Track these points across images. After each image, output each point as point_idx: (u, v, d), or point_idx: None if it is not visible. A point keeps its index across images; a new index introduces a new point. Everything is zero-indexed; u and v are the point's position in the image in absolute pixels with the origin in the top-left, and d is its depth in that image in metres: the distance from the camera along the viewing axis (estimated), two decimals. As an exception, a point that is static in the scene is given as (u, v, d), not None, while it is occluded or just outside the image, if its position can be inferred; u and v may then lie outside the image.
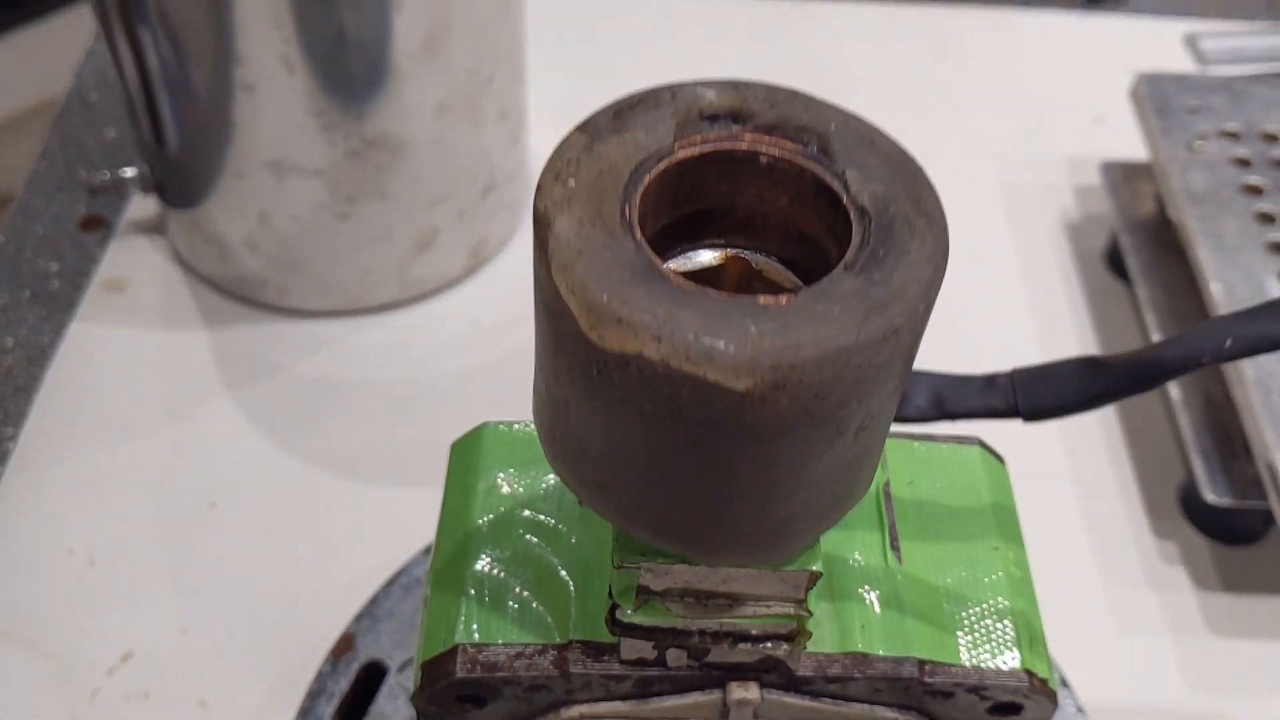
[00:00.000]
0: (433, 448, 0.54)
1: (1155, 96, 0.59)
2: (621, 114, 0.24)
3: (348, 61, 0.50)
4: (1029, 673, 0.29)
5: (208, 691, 0.46)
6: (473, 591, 0.30)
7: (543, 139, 0.64)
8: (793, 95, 0.24)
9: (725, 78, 0.24)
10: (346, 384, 0.57)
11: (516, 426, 0.34)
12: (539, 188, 0.23)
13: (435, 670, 0.29)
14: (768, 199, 0.24)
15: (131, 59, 0.53)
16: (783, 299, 0.21)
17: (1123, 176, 0.62)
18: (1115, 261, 0.62)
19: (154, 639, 0.48)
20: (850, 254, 0.22)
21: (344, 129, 0.52)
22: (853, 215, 0.23)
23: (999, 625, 0.30)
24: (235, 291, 0.59)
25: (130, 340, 0.58)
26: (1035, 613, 0.30)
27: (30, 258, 0.61)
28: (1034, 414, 0.27)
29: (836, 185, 0.23)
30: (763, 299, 0.21)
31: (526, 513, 0.31)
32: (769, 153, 0.24)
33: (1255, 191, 0.55)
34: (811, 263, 0.25)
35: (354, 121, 0.52)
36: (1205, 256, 0.52)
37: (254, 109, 0.51)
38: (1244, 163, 0.56)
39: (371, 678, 0.44)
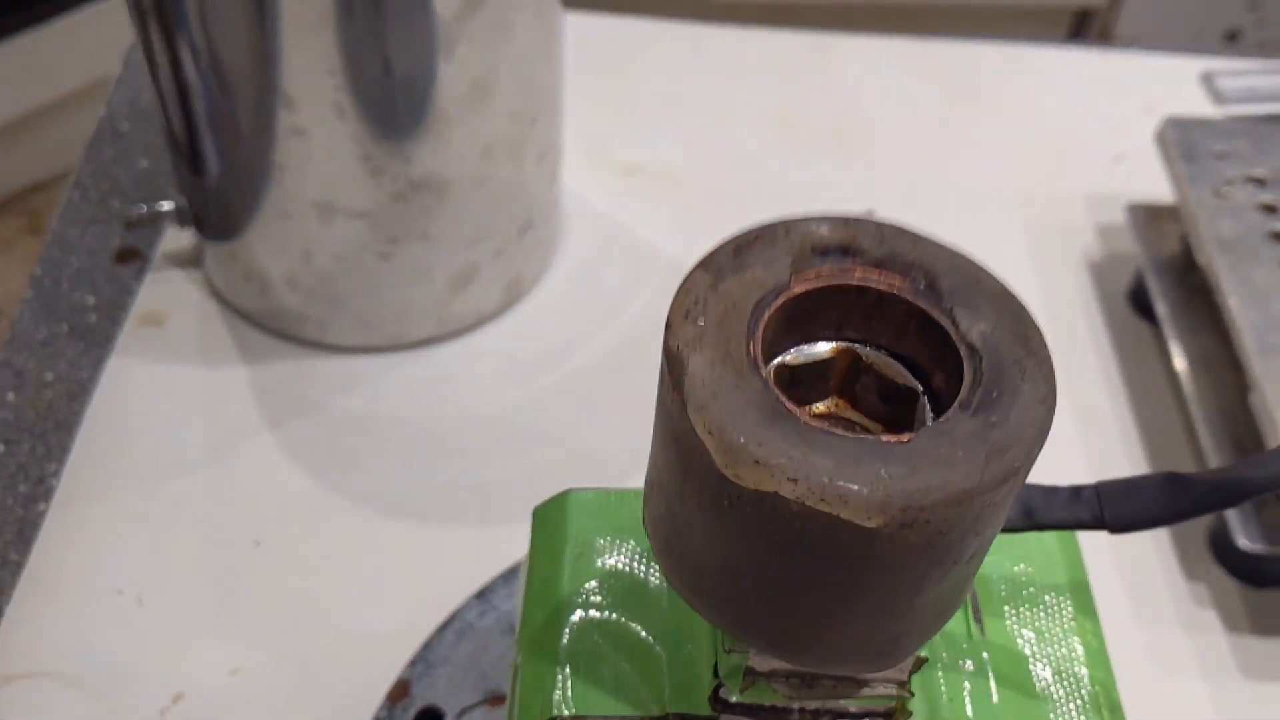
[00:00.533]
0: (475, 486, 0.55)
1: (1181, 141, 0.60)
2: (741, 251, 0.25)
3: (396, 107, 0.51)
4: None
5: (261, 734, 0.47)
6: (566, 661, 0.31)
7: (574, 175, 0.65)
8: (899, 232, 0.25)
9: (836, 213, 0.25)
10: (387, 420, 0.57)
11: (601, 494, 0.34)
12: (669, 325, 0.24)
13: (534, 741, 0.30)
14: (876, 329, 0.25)
15: (176, 98, 0.53)
16: (905, 438, 0.22)
17: (1147, 218, 0.63)
18: (1140, 301, 0.63)
19: (205, 680, 0.48)
20: (964, 393, 0.23)
21: (391, 172, 0.52)
22: (963, 353, 0.24)
23: (1081, 694, 0.31)
24: (273, 326, 0.60)
25: (169, 375, 0.58)
26: (1112, 682, 0.31)
27: (67, 291, 0.61)
28: (1121, 527, 0.28)
29: (945, 321, 0.24)
30: (885, 438, 0.22)
31: (617, 582, 0.32)
32: (879, 287, 0.25)
33: (1282, 239, 0.56)
34: (918, 374, 0.26)
35: (401, 165, 0.52)
36: (1236, 305, 0.53)
37: (303, 153, 0.52)
38: (1270, 209, 0.57)
39: (429, 723, 0.45)
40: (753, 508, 0.22)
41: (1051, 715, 0.30)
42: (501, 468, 0.56)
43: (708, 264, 0.25)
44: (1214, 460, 0.53)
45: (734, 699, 0.28)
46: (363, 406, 0.58)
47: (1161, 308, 0.59)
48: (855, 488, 0.21)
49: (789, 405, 0.23)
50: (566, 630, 0.31)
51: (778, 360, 0.25)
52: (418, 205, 0.54)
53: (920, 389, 0.25)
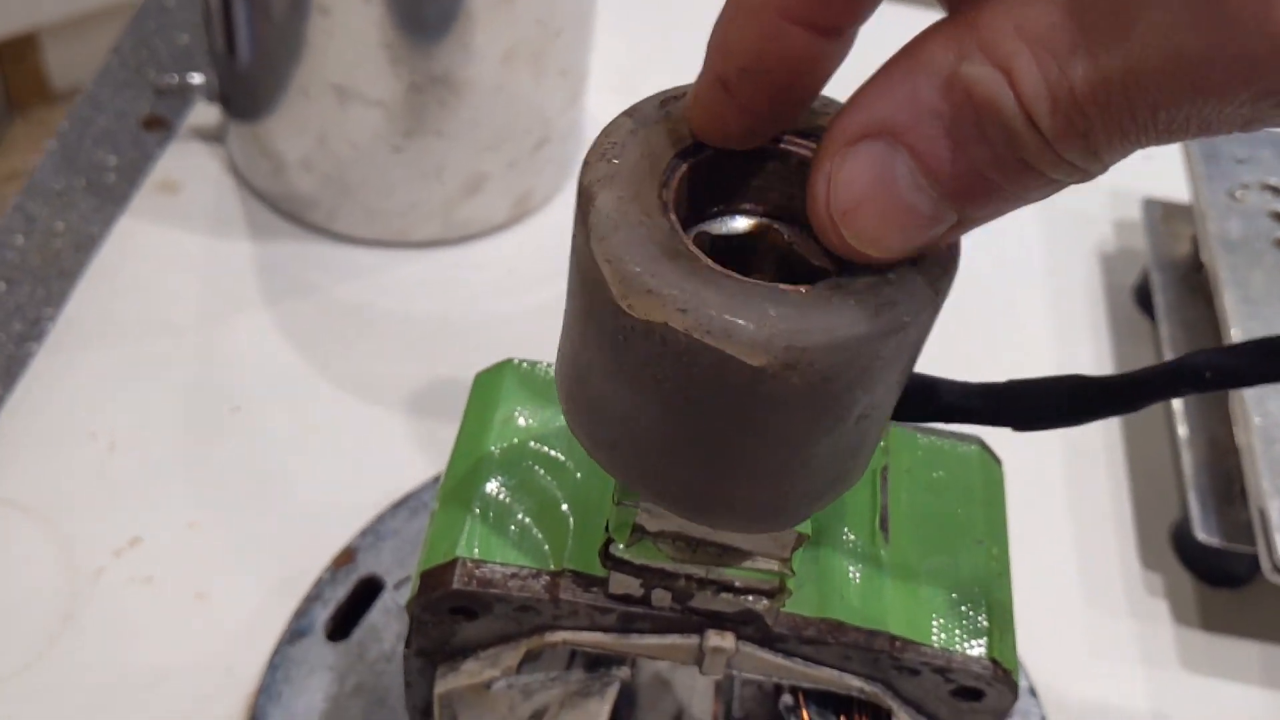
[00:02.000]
0: (455, 385, 0.56)
1: (1206, 141, 0.60)
2: (667, 104, 0.25)
3: (423, -2, 0.52)
4: (994, 661, 0.30)
5: (208, 585, 0.48)
6: (478, 511, 0.31)
7: (600, 104, 0.66)
8: (829, 102, 0.26)
9: None
10: (381, 312, 0.58)
11: (540, 366, 0.35)
12: (585, 163, 0.24)
13: (434, 580, 0.30)
14: (797, 197, 0.25)
15: (215, -31, 0.54)
16: (802, 288, 0.23)
17: (1162, 215, 0.63)
18: (1144, 298, 0.63)
19: (162, 528, 0.49)
20: None
21: (410, 63, 0.53)
22: None
23: (972, 613, 0.31)
24: (285, 208, 0.61)
25: (176, 241, 0.60)
26: (1008, 608, 0.32)
27: (90, 148, 0.63)
28: (1024, 424, 0.28)
29: None
30: (782, 286, 0.23)
31: (538, 446, 0.33)
32: (799, 152, 0.25)
33: (1289, 247, 0.56)
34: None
35: (421, 57, 0.53)
36: (1231, 304, 0.53)
37: (327, 31, 0.52)
38: (1282, 217, 0.57)
39: (368, 591, 0.46)
40: (644, 342, 0.23)
41: (941, 629, 0.31)
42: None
43: (633, 112, 0.25)
44: (1189, 456, 0.53)
45: (621, 555, 0.29)
46: (359, 296, 0.59)
47: (1161, 302, 0.58)
48: (742, 323, 0.22)
49: (691, 247, 0.23)
50: (483, 484, 0.32)
51: (698, 228, 0.26)
52: (434, 100, 0.55)
53: (834, 271, 0.26)
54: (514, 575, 0.30)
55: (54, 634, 0.46)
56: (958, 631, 0.30)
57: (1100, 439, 0.57)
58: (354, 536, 0.47)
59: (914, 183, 0.20)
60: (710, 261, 0.23)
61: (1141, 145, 0.19)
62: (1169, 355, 0.56)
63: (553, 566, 0.30)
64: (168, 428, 0.53)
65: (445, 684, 0.32)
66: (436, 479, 0.49)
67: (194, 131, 0.64)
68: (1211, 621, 0.51)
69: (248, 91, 0.58)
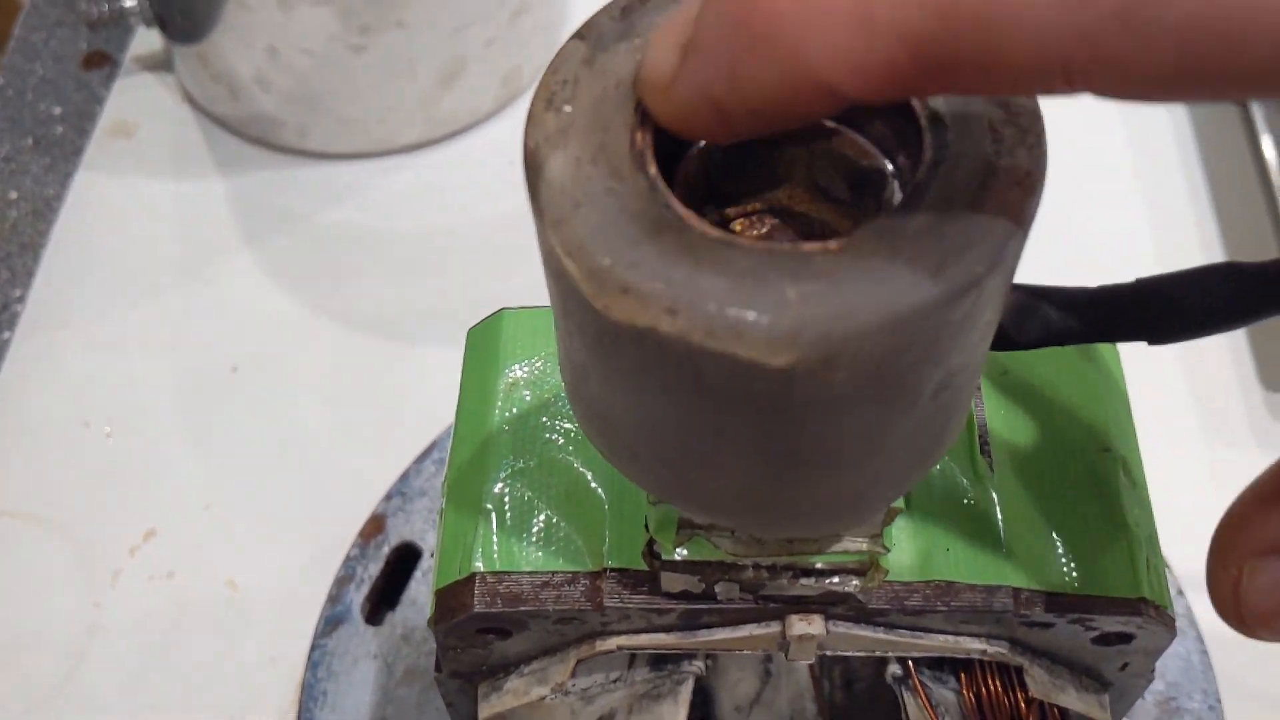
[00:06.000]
0: (469, 302, 0.50)
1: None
2: (630, 13, 0.19)
3: None
4: (1143, 600, 0.25)
5: (234, 571, 0.44)
6: (491, 509, 0.26)
7: (580, -49, 0.58)
8: None
9: None
10: (374, 233, 0.52)
11: (541, 311, 0.29)
12: (529, 117, 0.18)
13: (452, 601, 0.25)
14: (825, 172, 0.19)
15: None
16: (832, 244, 0.16)
17: None
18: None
19: (177, 516, 0.45)
20: (921, 173, 0.17)
21: (352, -51, 0.46)
22: (923, 123, 0.17)
23: (1109, 543, 0.25)
24: (250, 134, 0.54)
25: (141, 189, 0.54)
26: (1152, 528, 0.26)
27: (31, 101, 0.57)
28: (1165, 333, 0.22)
29: None
30: (806, 246, 0.16)
31: (553, 415, 0.27)
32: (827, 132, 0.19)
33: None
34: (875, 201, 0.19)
35: (363, -60, 0.46)
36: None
37: (251, -71, 0.45)
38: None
39: (404, 561, 0.41)
40: (635, 349, 0.17)
41: (1073, 570, 0.25)
42: (497, 283, 0.51)
43: (585, 32, 0.19)
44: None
45: (668, 555, 0.23)
46: (348, 218, 0.53)
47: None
48: (752, 316, 0.16)
49: (679, 209, 0.17)
50: (495, 474, 0.26)
51: (700, 144, 0.19)
52: (388, -13, 0.48)
53: (889, 169, 0.19)
54: (545, 584, 0.25)
55: (81, 650, 0.42)
56: (1095, 569, 0.25)
57: (1200, 255, 0.50)
58: (379, 501, 0.42)
59: None
60: (706, 225, 0.17)
61: None
62: (1268, 149, 0.49)
63: (591, 566, 0.25)
64: (165, 402, 0.48)
65: (490, 707, 0.27)
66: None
67: (139, 63, 0.57)
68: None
69: (182, 10, 0.52)
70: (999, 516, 0.25)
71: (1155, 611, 0.25)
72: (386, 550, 0.41)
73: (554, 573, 0.25)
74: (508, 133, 0.55)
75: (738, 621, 0.25)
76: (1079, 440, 0.26)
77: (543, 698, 0.26)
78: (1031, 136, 0.17)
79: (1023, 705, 0.26)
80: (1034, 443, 0.26)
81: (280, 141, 0.54)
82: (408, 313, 0.50)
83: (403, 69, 0.51)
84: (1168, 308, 0.21)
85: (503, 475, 0.26)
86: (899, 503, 0.22)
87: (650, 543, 0.23)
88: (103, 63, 0.58)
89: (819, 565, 0.23)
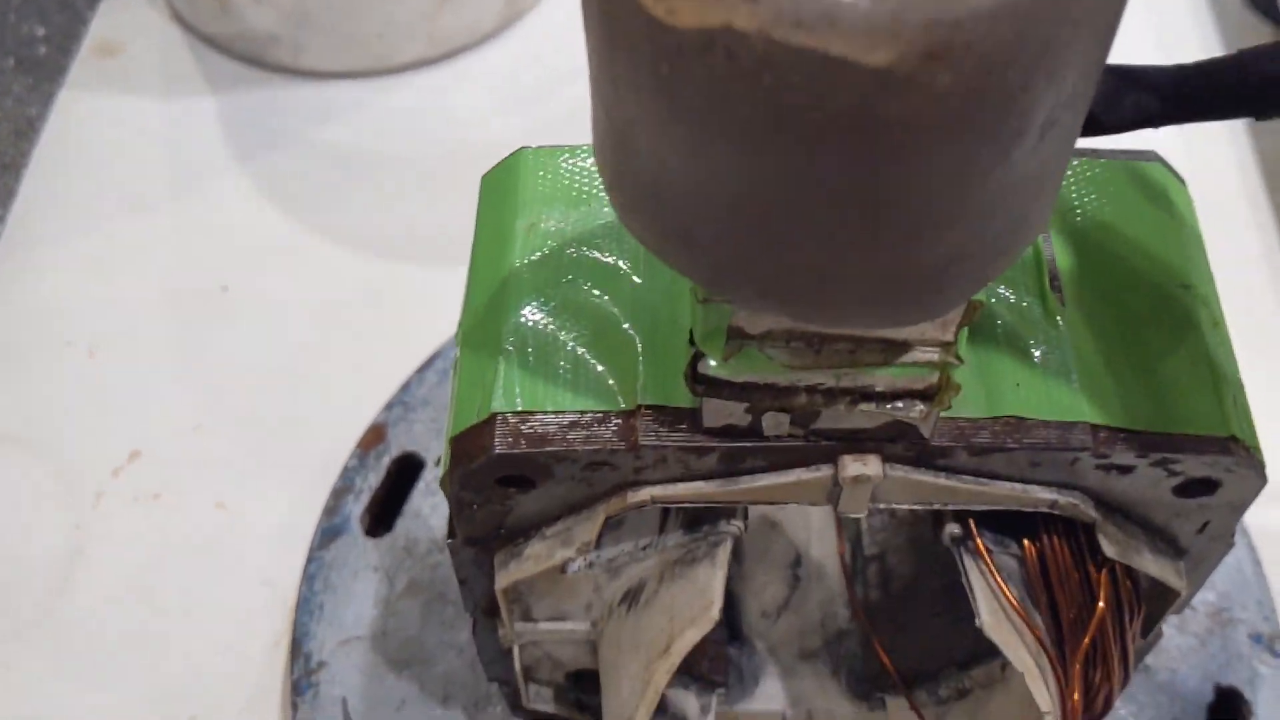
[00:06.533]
0: (467, 224, 0.48)
1: None
2: None
3: None
4: (1233, 439, 0.22)
5: (225, 493, 0.41)
6: (513, 349, 0.23)
7: None
8: None
9: None
10: (372, 153, 0.50)
11: (561, 153, 0.27)
12: None
13: (469, 445, 0.23)
14: None
15: None
16: None
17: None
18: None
19: (163, 437, 0.43)
20: None
21: None
22: None
23: (1193, 380, 0.23)
24: (242, 52, 0.52)
25: (127, 109, 0.52)
26: (1233, 364, 0.24)
27: (14, 22, 0.54)
28: (1272, 104, 0.19)
29: None
30: None
31: (578, 251, 0.25)
32: None
33: None
34: None
35: None
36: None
37: None
38: None
39: (405, 472, 0.38)
40: (701, 66, 0.14)
41: (1156, 407, 0.23)
42: (501, 200, 0.48)
43: None
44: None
45: (716, 373, 0.21)
46: (344, 138, 0.51)
47: (1286, -7, 0.49)
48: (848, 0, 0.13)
49: None
50: (515, 313, 0.24)
51: None
52: (388, -114, 0.46)
53: None
54: (574, 424, 0.23)
55: (64, 574, 0.40)
56: (1179, 406, 0.22)
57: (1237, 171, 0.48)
58: (379, 411, 0.40)
59: None
60: None
61: None
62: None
63: (623, 404, 0.23)
64: (152, 321, 0.46)
65: (508, 575, 0.25)
66: (466, 330, 0.41)
67: (126, -18, 0.55)
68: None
69: (173, -82, 0.49)
70: (1072, 352, 0.23)
71: (1246, 452, 0.22)
72: (387, 461, 0.38)
73: (583, 411, 0.23)
74: (507, 54, 0.53)
75: (785, 465, 0.23)
76: (1156, 277, 0.24)
77: (567, 561, 0.24)
78: None
79: (1093, 573, 0.24)
80: (1107, 280, 0.24)
81: (273, 59, 0.52)
82: (403, 235, 0.48)
83: (402, -20, 0.49)
84: (1276, 75, 0.19)
85: (524, 314, 0.24)
86: (980, 295, 0.19)
87: (694, 363, 0.21)
88: (87, -17, 0.55)
89: (880, 387, 0.21)
